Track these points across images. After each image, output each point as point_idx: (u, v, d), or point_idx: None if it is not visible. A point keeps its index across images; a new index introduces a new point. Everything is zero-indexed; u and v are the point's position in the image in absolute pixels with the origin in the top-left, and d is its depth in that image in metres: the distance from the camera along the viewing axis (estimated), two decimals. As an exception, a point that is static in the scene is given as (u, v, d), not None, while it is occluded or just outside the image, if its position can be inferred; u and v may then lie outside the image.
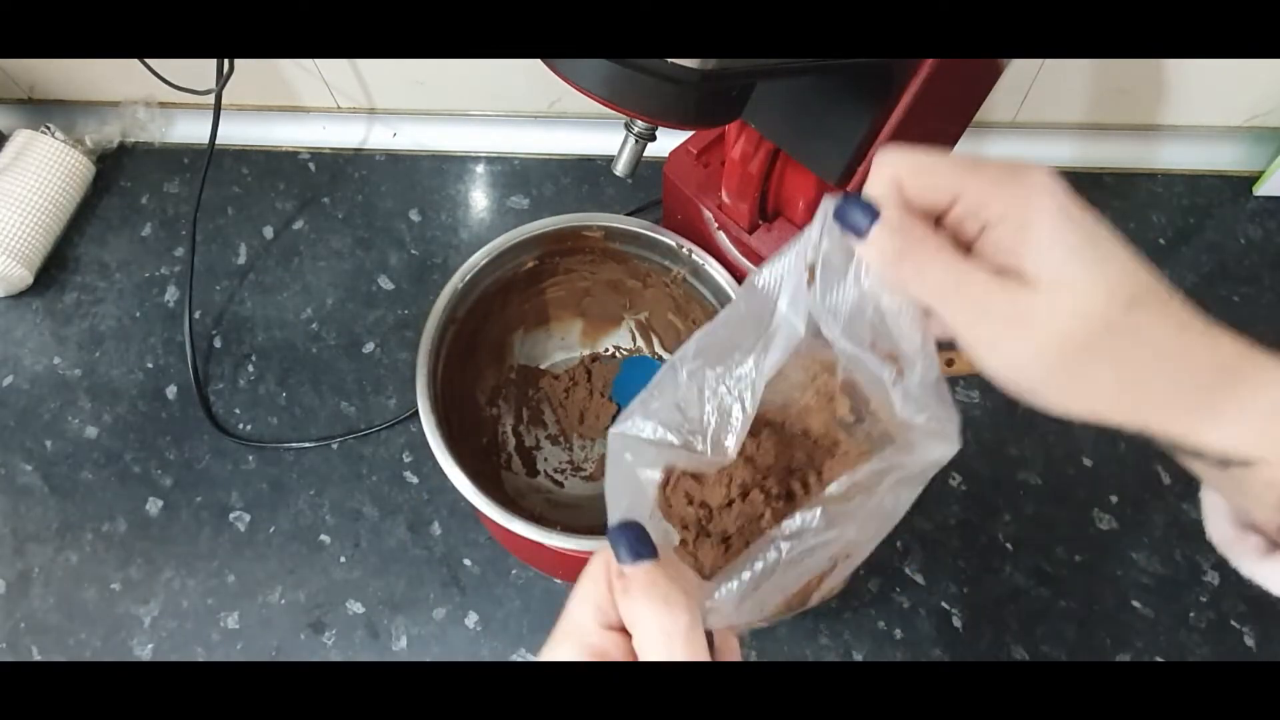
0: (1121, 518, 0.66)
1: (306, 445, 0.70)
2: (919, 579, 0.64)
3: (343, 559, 0.66)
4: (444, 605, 0.64)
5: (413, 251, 0.78)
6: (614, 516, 0.33)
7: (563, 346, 0.70)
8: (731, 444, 0.35)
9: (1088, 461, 0.68)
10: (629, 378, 0.67)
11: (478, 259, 0.60)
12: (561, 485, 0.66)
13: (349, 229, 0.79)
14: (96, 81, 0.83)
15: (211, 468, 0.70)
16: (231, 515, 0.68)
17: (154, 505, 0.68)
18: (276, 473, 0.69)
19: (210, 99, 0.72)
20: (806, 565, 0.32)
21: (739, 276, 0.60)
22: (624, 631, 0.32)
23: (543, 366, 0.70)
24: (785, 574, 0.32)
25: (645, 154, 0.45)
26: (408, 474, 0.69)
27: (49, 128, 0.78)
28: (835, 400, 0.38)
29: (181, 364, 0.73)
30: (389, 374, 0.73)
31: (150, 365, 0.74)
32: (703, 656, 0.30)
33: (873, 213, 0.29)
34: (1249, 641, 0.62)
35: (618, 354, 0.70)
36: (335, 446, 0.70)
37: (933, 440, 0.32)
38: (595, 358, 0.69)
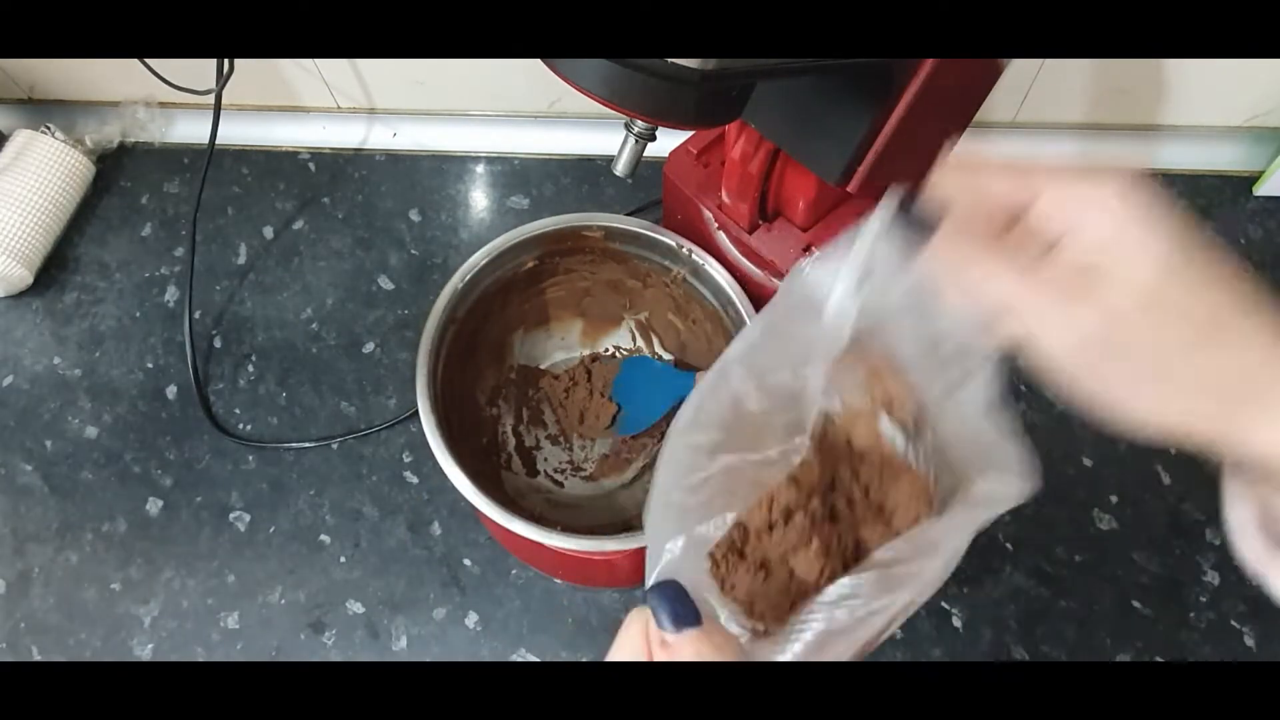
0: (1121, 518, 0.66)
1: (306, 445, 0.70)
2: (919, 579, 0.64)
3: (343, 559, 0.66)
4: (444, 605, 0.64)
5: (413, 251, 0.78)
6: (653, 561, 0.31)
7: (563, 346, 0.70)
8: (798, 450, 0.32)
9: (1088, 461, 0.68)
10: (629, 378, 0.67)
11: (478, 259, 0.60)
12: (561, 485, 0.66)
13: (349, 229, 0.79)
14: (96, 81, 0.83)
15: (211, 468, 0.70)
16: (231, 515, 0.68)
17: (154, 505, 0.68)
18: (276, 473, 0.69)
19: (210, 99, 0.72)
20: (858, 634, 0.30)
21: (739, 276, 0.60)
22: None
23: (543, 366, 0.70)
24: (835, 644, 0.30)
25: (645, 154, 0.45)
26: (408, 474, 0.69)
27: (49, 128, 0.78)
28: (891, 405, 0.36)
29: (181, 364, 0.73)
30: (389, 374, 0.73)
31: (150, 365, 0.74)
32: None
33: (933, 217, 0.28)
34: (1249, 641, 0.62)
35: (618, 354, 0.70)
36: (335, 446, 0.70)
37: (1001, 478, 0.30)
38: (595, 358, 0.69)
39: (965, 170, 0.28)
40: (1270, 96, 0.76)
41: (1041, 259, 0.27)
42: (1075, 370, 0.26)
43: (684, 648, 0.29)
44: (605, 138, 0.82)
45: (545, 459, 0.67)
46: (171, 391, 0.73)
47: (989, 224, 0.27)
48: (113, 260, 0.79)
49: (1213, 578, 0.64)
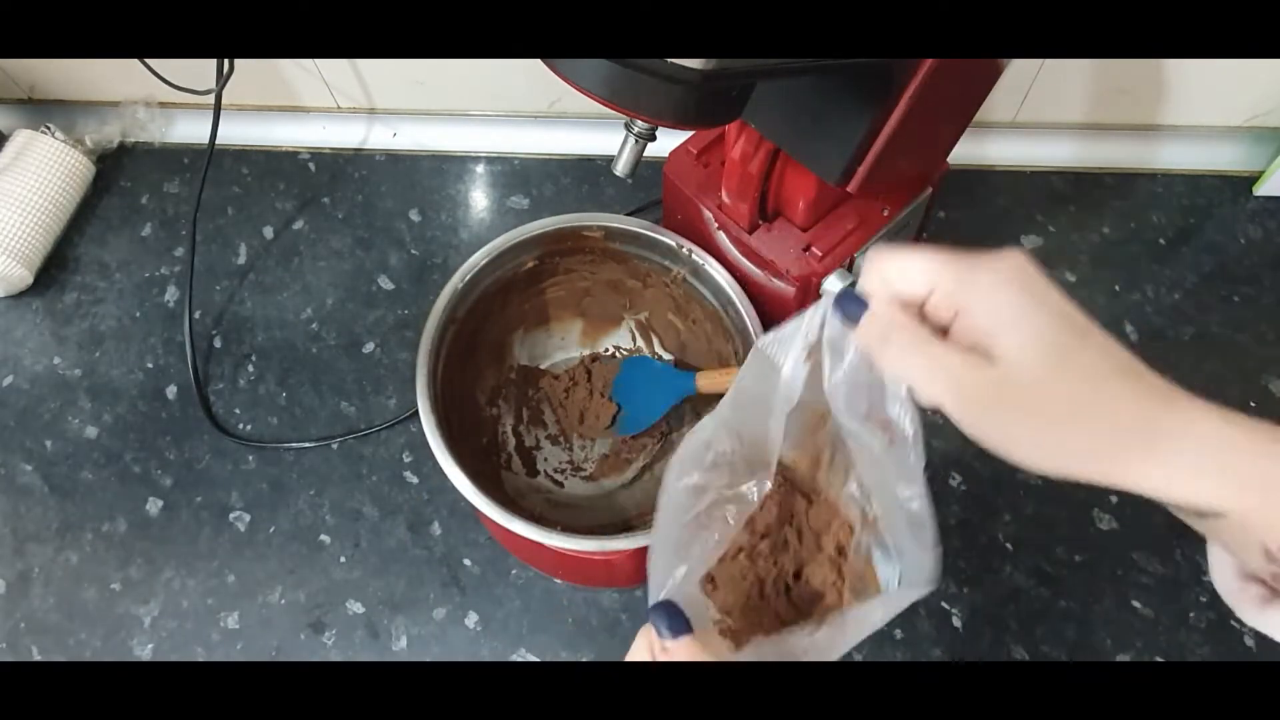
0: (1121, 518, 0.66)
1: (306, 445, 0.70)
2: (919, 579, 0.64)
3: (343, 559, 0.66)
4: (444, 605, 0.64)
5: (413, 251, 0.78)
6: (655, 586, 0.40)
7: (563, 346, 0.70)
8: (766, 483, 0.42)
9: (1088, 461, 0.68)
10: (629, 378, 0.67)
11: (478, 259, 0.60)
12: (561, 485, 0.66)
13: (349, 229, 0.79)
14: (96, 81, 0.83)
15: (211, 468, 0.70)
16: (231, 515, 0.68)
17: (154, 505, 0.68)
18: (276, 473, 0.69)
19: (210, 99, 0.72)
20: (820, 657, 0.38)
21: (739, 276, 0.60)
22: None
23: (543, 366, 0.70)
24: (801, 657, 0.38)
25: (645, 154, 0.45)
26: (408, 474, 0.69)
27: (49, 128, 0.78)
28: (826, 450, 0.43)
29: (181, 364, 0.73)
30: (389, 374, 0.73)
31: (150, 365, 0.74)
32: None
33: (863, 304, 0.34)
34: (1249, 641, 0.62)
35: (618, 354, 0.70)
36: (335, 446, 0.70)
37: (914, 545, 0.38)
38: (595, 358, 0.69)
39: (881, 266, 0.34)
40: (1270, 96, 0.76)
41: (942, 340, 0.32)
42: (974, 427, 0.31)
43: (679, 651, 0.36)
44: (605, 138, 0.82)
45: (545, 459, 0.67)
46: (171, 391, 0.73)
47: (902, 311, 0.33)
48: (113, 260, 0.79)
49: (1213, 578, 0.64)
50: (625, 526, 0.62)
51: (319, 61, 0.79)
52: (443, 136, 0.83)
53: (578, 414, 0.67)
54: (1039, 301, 0.31)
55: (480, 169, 0.82)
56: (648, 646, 0.37)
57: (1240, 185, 0.79)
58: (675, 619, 0.36)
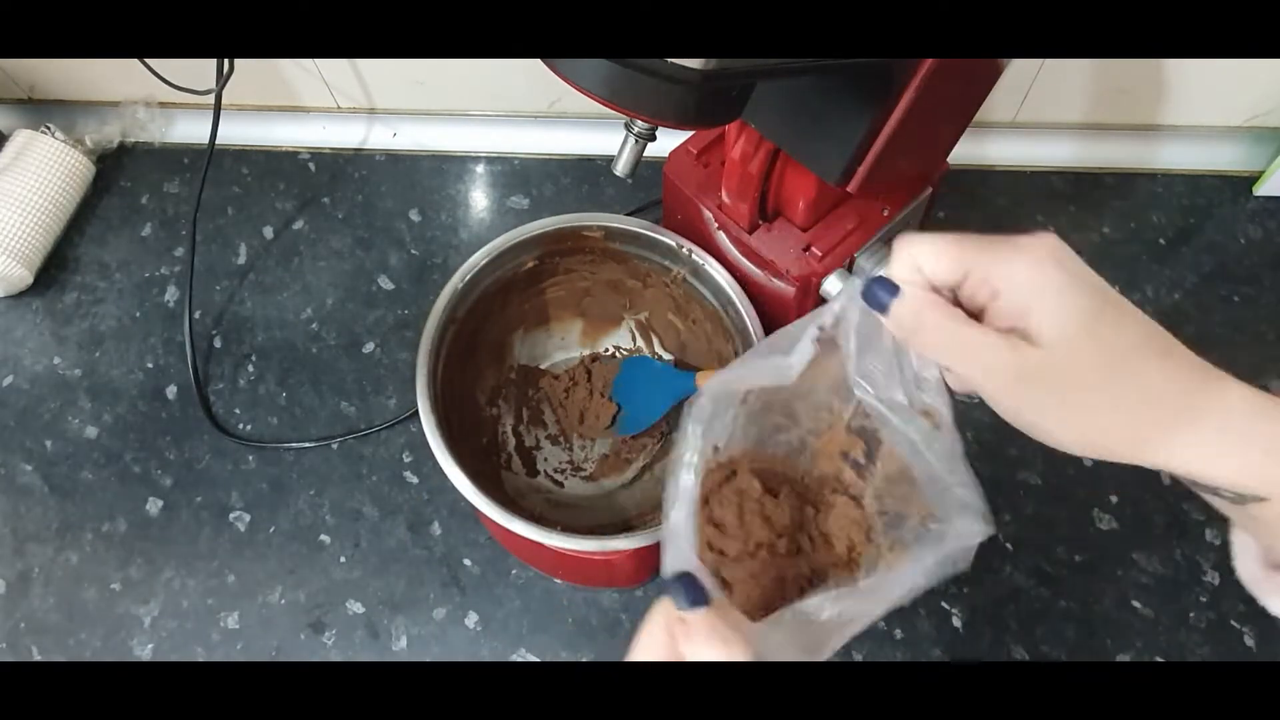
0: (1121, 518, 0.66)
1: (306, 445, 0.70)
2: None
3: (343, 559, 0.66)
4: (444, 605, 0.64)
5: (413, 251, 0.78)
6: (669, 557, 0.37)
7: (563, 346, 0.70)
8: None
9: (1088, 461, 0.68)
10: (629, 378, 0.67)
11: (478, 259, 0.60)
12: (561, 485, 0.66)
13: (349, 229, 0.79)
14: (96, 81, 0.83)
15: (211, 468, 0.70)
16: (231, 515, 0.68)
17: (154, 505, 0.68)
18: (276, 473, 0.69)
19: (210, 99, 0.72)
20: (846, 630, 0.36)
21: (739, 276, 0.60)
22: None
23: (543, 366, 0.70)
24: (825, 630, 0.36)
25: (645, 154, 0.45)
26: (408, 474, 0.69)
27: (49, 128, 0.78)
28: (847, 442, 0.43)
29: (181, 364, 0.73)
30: (389, 374, 0.73)
31: (150, 365, 0.74)
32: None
33: (894, 290, 0.34)
34: (1249, 641, 0.62)
35: (618, 354, 0.70)
36: (335, 446, 0.70)
37: (965, 518, 0.36)
38: (595, 358, 0.69)
39: (912, 251, 0.34)
40: (1270, 96, 0.76)
41: (977, 323, 0.33)
42: (1009, 405, 0.32)
43: (699, 623, 0.34)
44: (605, 138, 0.82)
45: (545, 459, 0.67)
46: (171, 391, 0.73)
47: (933, 295, 0.33)
48: (113, 260, 0.79)
49: (1213, 578, 0.64)
50: (625, 526, 0.62)
51: (319, 61, 0.79)
52: (443, 136, 0.83)
53: (578, 414, 0.67)
54: (1076, 280, 0.31)
55: (480, 169, 0.82)
56: (664, 622, 0.35)
57: (1240, 185, 0.79)
58: (695, 590, 0.34)
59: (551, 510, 0.64)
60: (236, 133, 0.82)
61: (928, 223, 0.63)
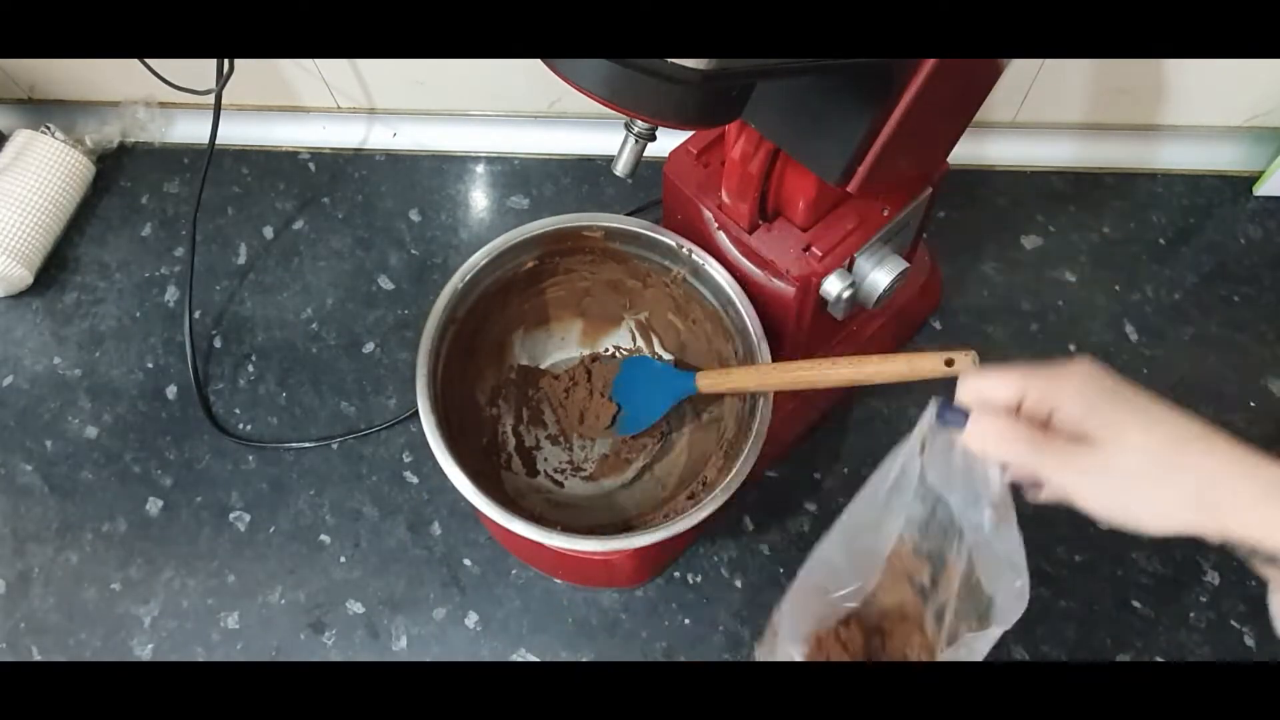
0: (1121, 518, 0.66)
1: (306, 445, 0.70)
2: (919, 579, 0.64)
3: (343, 559, 0.66)
4: (444, 605, 0.64)
5: (413, 251, 0.78)
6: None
7: (563, 346, 0.70)
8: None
9: (1088, 461, 0.68)
10: (629, 378, 0.67)
11: (478, 259, 0.60)
12: (561, 485, 0.66)
13: (349, 229, 0.79)
14: (96, 81, 0.83)
15: (211, 468, 0.70)
16: (231, 515, 0.68)
17: (154, 505, 0.68)
18: (276, 473, 0.69)
19: (210, 99, 0.72)
20: None
21: (739, 276, 0.60)
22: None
23: (543, 366, 0.70)
24: None
25: (645, 154, 0.45)
26: (408, 474, 0.69)
27: (49, 128, 0.78)
28: (914, 567, 0.50)
29: (181, 364, 0.73)
30: (389, 374, 0.73)
31: (150, 365, 0.74)
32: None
33: (964, 413, 0.41)
34: (1249, 641, 0.62)
35: (618, 354, 0.70)
36: (335, 446, 0.70)
37: (1014, 599, 0.44)
38: (595, 358, 0.69)
39: (975, 384, 0.41)
40: (1270, 96, 0.76)
41: (1043, 437, 0.39)
42: (1100, 504, 0.38)
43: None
44: (605, 138, 0.82)
45: (545, 459, 0.67)
46: (171, 391, 0.73)
47: (1003, 413, 0.40)
48: (113, 260, 0.79)
49: (1213, 578, 0.64)
50: (625, 526, 0.62)
51: (319, 61, 0.79)
52: (443, 136, 0.83)
53: (578, 414, 0.67)
54: (1118, 391, 0.38)
55: (480, 169, 0.82)
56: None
57: (1240, 185, 0.79)
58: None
59: (551, 510, 0.64)
60: (236, 133, 0.82)
61: (927, 222, 0.63)
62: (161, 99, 0.82)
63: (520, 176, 0.82)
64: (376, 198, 0.81)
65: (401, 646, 0.63)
